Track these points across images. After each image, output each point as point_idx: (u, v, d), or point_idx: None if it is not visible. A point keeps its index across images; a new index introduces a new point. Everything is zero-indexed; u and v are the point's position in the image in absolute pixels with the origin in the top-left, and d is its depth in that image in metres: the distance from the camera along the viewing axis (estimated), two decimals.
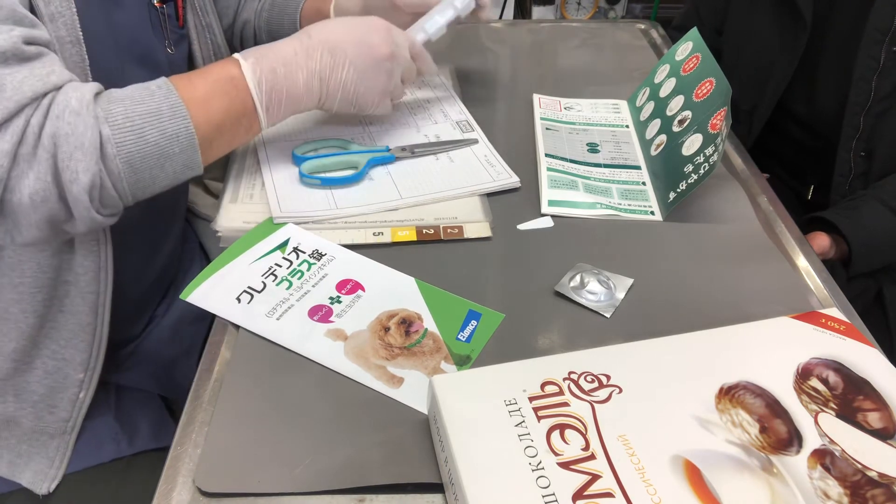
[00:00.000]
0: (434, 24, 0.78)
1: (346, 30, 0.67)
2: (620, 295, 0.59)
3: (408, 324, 0.56)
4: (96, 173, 0.53)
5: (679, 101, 0.75)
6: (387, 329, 0.55)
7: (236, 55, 0.63)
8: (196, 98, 0.59)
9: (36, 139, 0.51)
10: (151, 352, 0.79)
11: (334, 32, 0.66)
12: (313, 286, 0.59)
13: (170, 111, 0.57)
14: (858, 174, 0.95)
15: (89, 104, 0.53)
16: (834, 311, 0.53)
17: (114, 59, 0.64)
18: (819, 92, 1.00)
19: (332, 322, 0.56)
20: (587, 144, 0.80)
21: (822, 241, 0.86)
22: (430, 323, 0.56)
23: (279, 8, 0.88)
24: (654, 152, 0.76)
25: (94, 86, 0.55)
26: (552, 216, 0.68)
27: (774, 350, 0.49)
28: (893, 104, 0.89)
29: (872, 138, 0.92)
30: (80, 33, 0.58)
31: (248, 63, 0.62)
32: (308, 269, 0.61)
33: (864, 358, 0.49)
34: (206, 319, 0.57)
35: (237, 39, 0.91)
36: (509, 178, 0.72)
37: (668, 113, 0.76)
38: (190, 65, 0.79)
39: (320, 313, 0.57)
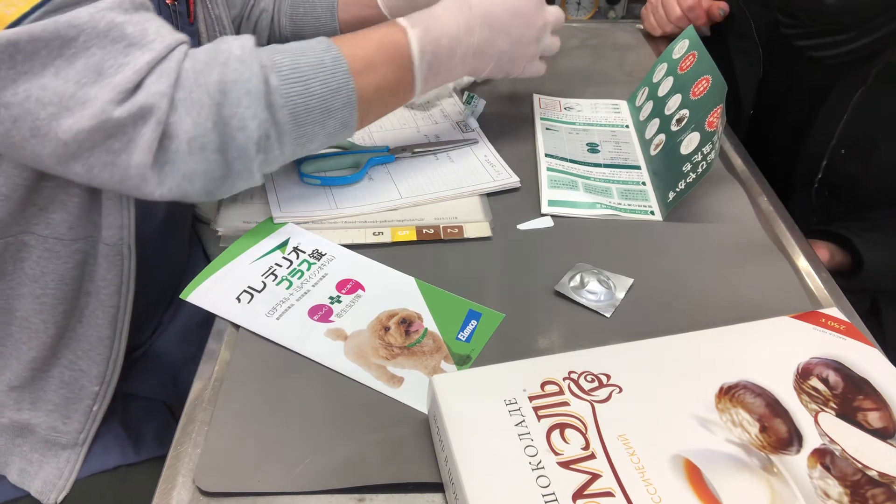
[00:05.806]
0: None
1: (503, 1, 0.67)
2: (620, 295, 0.59)
3: (408, 323, 0.56)
4: (264, 121, 0.52)
5: (677, 99, 0.75)
6: (387, 329, 0.55)
7: (402, 22, 0.62)
8: (358, 56, 0.58)
9: (193, 85, 0.50)
10: (158, 358, 0.79)
11: (493, 4, 0.66)
12: (313, 286, 0.59)
13: (332, 64, 0.56)
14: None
15: (252, 51, 0.52)
16: (834, 311, 0.53)
17: None
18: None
19: (332, 322, 0.56)
20: (587, 144, 0.80)
21: (822, 253, 0.85)
22: (430, 323, 0.56)
23: None
24: (653, 152, 0.76)
25: (252, 36, 0.55)
26: (552, 216, 0.68)
27: (774, 350, 0.49)
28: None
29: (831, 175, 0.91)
30: None
31: (415, 33, 0.61)
32: (308, 269, 0.61)
33: (864, 357, 0.49)
34: (211, 325, 0.57)
35: (249, 31, 0.88)
36: (509, 178, 0.72)
37: (667, 112, 0.76)
38: None
39: (320, 313, 0.57)
